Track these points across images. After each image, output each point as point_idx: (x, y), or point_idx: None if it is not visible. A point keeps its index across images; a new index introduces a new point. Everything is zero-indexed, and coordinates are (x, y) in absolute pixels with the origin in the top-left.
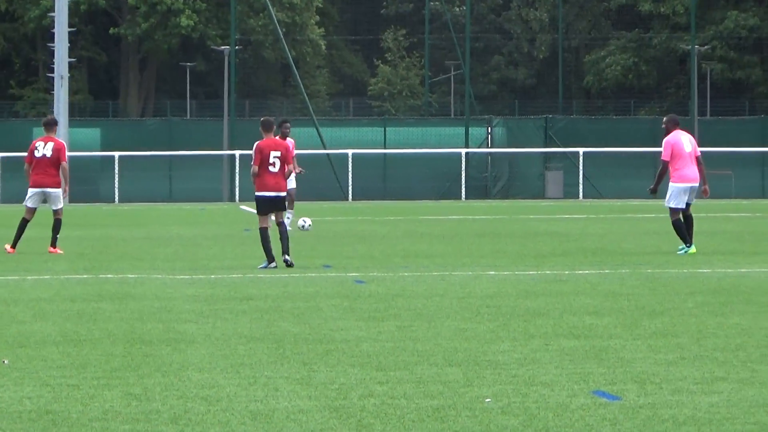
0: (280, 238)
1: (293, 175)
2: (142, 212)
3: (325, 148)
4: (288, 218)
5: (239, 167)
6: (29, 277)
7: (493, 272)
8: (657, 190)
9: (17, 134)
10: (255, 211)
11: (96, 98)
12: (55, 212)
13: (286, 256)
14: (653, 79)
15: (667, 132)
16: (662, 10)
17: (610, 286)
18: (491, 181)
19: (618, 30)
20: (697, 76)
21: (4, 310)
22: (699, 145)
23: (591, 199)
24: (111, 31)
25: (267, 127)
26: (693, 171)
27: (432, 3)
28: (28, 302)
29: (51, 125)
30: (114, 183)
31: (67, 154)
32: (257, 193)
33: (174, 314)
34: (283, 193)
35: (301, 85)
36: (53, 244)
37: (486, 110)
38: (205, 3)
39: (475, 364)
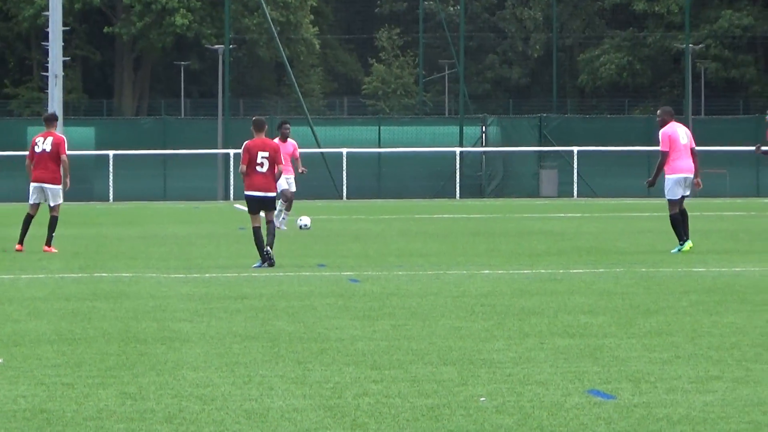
0: (266, 233)
1: (291, 177)
2: (136, 211)
3: (319, 147)
4: (284, 218)
5: (233, 166)
6: (24, 276)
7: (487, 271)
8: (655, 183)
9: (11, 133)
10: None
11: (90, 97)
12: (52, 209)
13: (268, 248)
14: (647, 78)
15: (663, 124)
16: (656, 9)
17: (605, 285)
18: (486, 180)
19: (612, 29)
20: (691, 75)
21: None
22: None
23: (585, 198)
24: (105, 30)
25: (258, 127)
26: (688, 162)
27: (426, 2)
28: (22, 301)
29: (51, 120)
30: (108, 182)
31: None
32: (246, 193)
33: (168, 313)
34: (272, 194)
35: (296, 84)
36: (48, 243)
37: (480, 109)
38: (200, 2)
39: (469, 363)
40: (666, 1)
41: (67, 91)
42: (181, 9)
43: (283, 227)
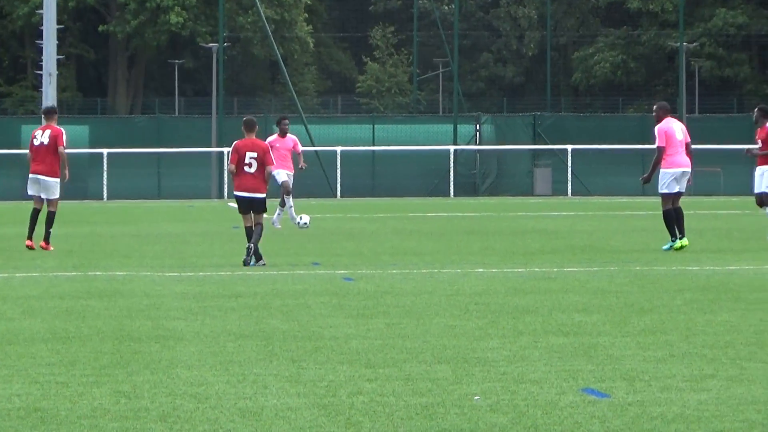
0: (253, 231)
1: (292, 174)
2: (130, 209)
3: (313, 146)
4: (278, 214)
5: (227, 164)
6: (18, 275)
7: (481, 269)
8: (651, 179)
9: (5, 131)
10: None
11: (84, 95)
12: (49, 203)
13: (251, 244)
14: (641, 76)
15: (659, 119)
16: (651, 7)
17: (599, 284)
18: (480, 178)
19: (606, 27)
20: (685, 74)
21: None
22: None
23: (579, 196)
24: (100, 28)
25: (249, 127)
26: (684, 158)
27: (420, 0)
28: (16, 299)
29: (49, 113)
30: (102, 180)
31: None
32: (234, 193)
33: (163, 311)
34: (260, 195)
35: (290, 83)
36: (46, 239)
37: (474, 107)
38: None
39: (463, 362)
40: None
41: (61, 89)
42: (176, 7)
43: (278, 225)
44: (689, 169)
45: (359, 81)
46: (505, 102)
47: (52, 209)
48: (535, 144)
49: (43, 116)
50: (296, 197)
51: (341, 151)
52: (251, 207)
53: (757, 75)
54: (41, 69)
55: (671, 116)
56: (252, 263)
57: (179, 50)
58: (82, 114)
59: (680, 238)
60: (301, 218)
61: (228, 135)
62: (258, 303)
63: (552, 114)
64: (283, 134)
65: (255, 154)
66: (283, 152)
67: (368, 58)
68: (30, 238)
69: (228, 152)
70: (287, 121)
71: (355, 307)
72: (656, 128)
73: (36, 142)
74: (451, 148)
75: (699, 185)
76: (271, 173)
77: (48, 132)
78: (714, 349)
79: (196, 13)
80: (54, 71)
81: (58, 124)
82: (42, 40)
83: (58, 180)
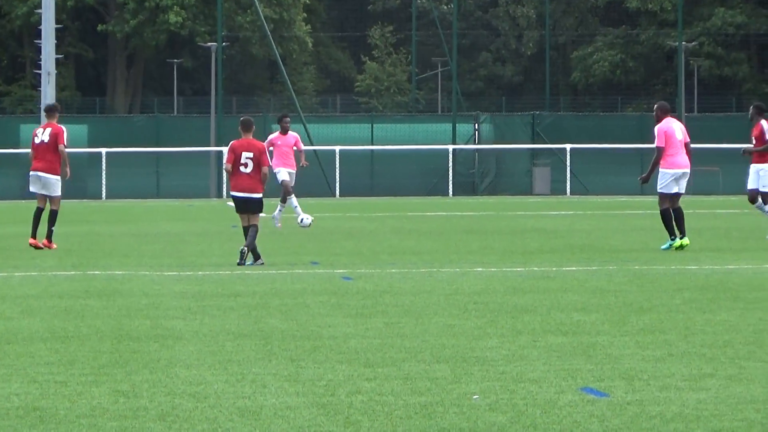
0: (247, 234)
1: (294, 171)
2: (129, 209)
3: (312, 145)
4: (279, 210)
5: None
6: (17, 274)
7: (480, 269)
8: (649, 179)
9: (4, 131)
10: None
11: (83, 95)
12: (51, 201)
13: (244, 247)
14: (640, 75)
15: (658, 119)
16: (650, 6)
17: (598, 283)
18: (478, 178)
19: (605, 26)
20: (684, 73)
21: None
22: None
23: (578, 196)
24: (99, 28)
25: (245, 127)
26: (684, 158)
27: (419, 0)
28: (15, 299)
29: (50, 111)
30: (101, 179)
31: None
32: (231, 192)
33: (161, 311)
34: (256, 196)
35: (288, 82)
36: (48, 237)
37: (473, 106)
38: None
39: (462, 361)
40: None
41: (60, 88)
42: (175, 6)
43: (278, 224)
44: (689, 170)
45: (358, 80)
46: (503, 101)
47: (54, 207)
48: (533, 143)
49: (44, 114)
50: (295, 196)
51: (340, 151)
52: (247, 207)
53: (756, 74)
54: (40, 68)
55: (671, 116)
56: (250, 263)
57: (178, 50)
58: (80, 113)
59: (681, 238)
60: (302, 219)
61: (227, 134)
62: (257, 302)
63: (551, 113)
64: (284, 132)
65: (251, 155)
66: (285, 149)
67: (367, 58)
68: (33, 236)
69: (227, 151)
70: (288, 119)
71: (353, 307)
72: (656, 128)
73: (37, 140)
74: (450, 147)
75: (698, 184)
76: (267, 174)
77: (48, 130)
78: (713, 348)
79: (194, 13)
80: (53, 70)
81: (58, 122)
82: (41, 39)
83: (58, 177)
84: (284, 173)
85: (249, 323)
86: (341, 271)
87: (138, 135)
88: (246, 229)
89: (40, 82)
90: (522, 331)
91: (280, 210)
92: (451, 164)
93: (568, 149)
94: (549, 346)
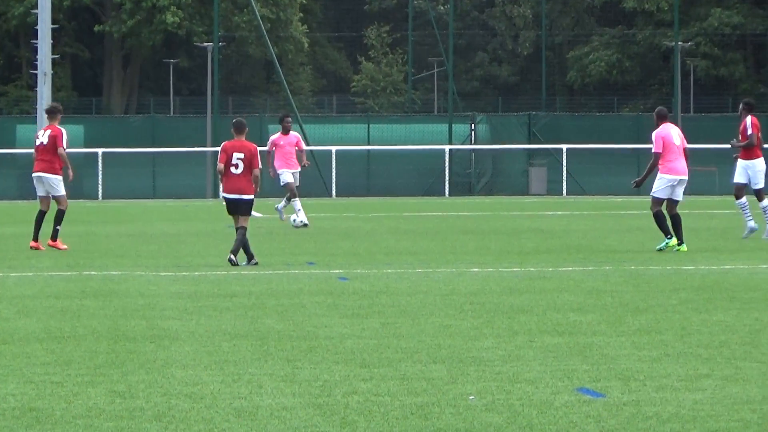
0: (235, 238)
1: (297, 171)
2: (125, 209)
3: (308, 145)
4: (283, 205)
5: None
6: (13, 274)
7: (476, 269)
8: (641, 185)
9: (0, 131)
10: None
11: (80, 95)
12: (57, 201)
13: (231, 255)
14: (636, 75)
15: (656, 125)
16: (646, 6)
17: (594, 283)
18: (475, 178)
19: (601, 26)
20: (680, 73)
21: None
22: None
23: (574, 196)
24: (96, 28)
25: (238, 129)
26: (682, 164)
27: (416, 1)
28: (11, 299)
29: (50, 113)
30: (97, 180)
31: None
32: (222, 194)
33: (158, 311)
34: (247, 197)
35: (285, 82)
36: (53, 237)
37: (469, 107)
38: None
39: (459, 361)
40: None
41: (56, 88)
42: (172, 7)
43: (283, 216)
44: (686, 178)
45: (354, 80)
46: (500, 101)
47: (62, 208)
48: (530, 143)
49: (45, 116)
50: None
51: (336, 151)
52: (237, 208)
53: (752, 74)
54: (36, 68)
55: (669, 122)
56: (244, 263)
57: (174, 50)
58: (77, 113)
59: (679, 245)
60: (296, 218)
61: (223, 134)
62: (253, 302)
63: (547, 113)
64: (286, 132)
65: (242, 155)
66: (288, 150)
67: (363, 58)
68: (35, 239)
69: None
70: (290, 119)
71: (350, 307)
72: (653, 134)
73: (37, 142)
74: (446, 147)
75: (694, 185)
76: (258, 176)
77: (48, 132)
78: (709, 348)
79: (191, 13)
80: (49, 71)
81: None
82: (37, 39)
83: (59, 177)
84: (288, 175)
85: (245, 324)
86: (337, 271)
87: (134, 135)
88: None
89: (36, 82)
90: (518, 331)
91: (284, 205)
92: (447, 164)
93: (564, 149)
94: (545, 346)
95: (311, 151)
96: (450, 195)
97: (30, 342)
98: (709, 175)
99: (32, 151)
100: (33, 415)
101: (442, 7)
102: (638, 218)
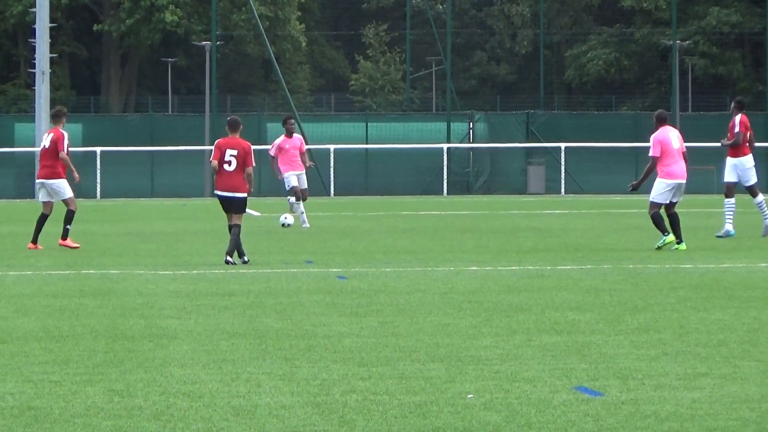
0: (229, 238)
1: (303, 173)
2: (124, 208)
3: (306, 144)
4: (302, 212)
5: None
6: (11, 273)
7: (475, 268)
8: (638, 188)
9: None
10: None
11: (78, 94)
12: (65, 203)
13: (227, 256)
14: (634, 74)
15: (655, 128)
16: (644, 5)
17: (592, 282)
18: (473, 177)
19: (599, 25)
20: (678, 72)
21: None
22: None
23: (573, 195)
24: (95, 28)
25: (232, 127)
26: (681, 168)
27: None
28: (10, 298)
29: (54, 117)
30: (96, 178)
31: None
32: (215, 191)
33: (156, 310)
34: (240, 195)
35: (283, 81)
36: (63, 236)
37: (467, 105)
38: None
39: (457, 360)
40: None
41: (54, 87)
42: (170, 5)
43: (306, 224)
44: (685, 181)
45: (352, 79)
46: (498, 100)
47: (72, 208)
48: (528, 142)
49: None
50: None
51: (334, 150)
52: (230, 206)
53: (750, 73)
54: (34, 67)
55: (668, 125)
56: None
57: (172, 48)
58: (75, 112)
59: (678, 243)
60: (285, 218)
61: (221, 133)
62: (251, 301)
63: (545, 112)
64: (289, 134)
65: (235, 152)
66: (293, 152)
67: (361, 57)
68: (34, 241)
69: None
70: (293, 121)
71: (348, 306)
72: (651, 137)
73: (41, 146)
74: (445, 146)
75: (692, 184)
76: (251, 175)
77: (51, 136)
78: (707, 347)
79: (189, 11)
80: (47, 69)
81: (49, 123)
82: (35, 38)
83: (62, 180)
84: (293, 179)
85: (243, 322)
86: (336, 270)
87: (132, 134)
88: (229, 228)
89: (34, 81)
90: (516, 330)
91: (294, 201)
92: (445, 163)
93: (562, 148)
94: (543, 345)
95: (309, 149)
96: (448, 194)
97: (28, 341)
98: (707, 174)
99: (31, 150)
100: (31, 413)
101: (440, 6)
102: (636, 217)
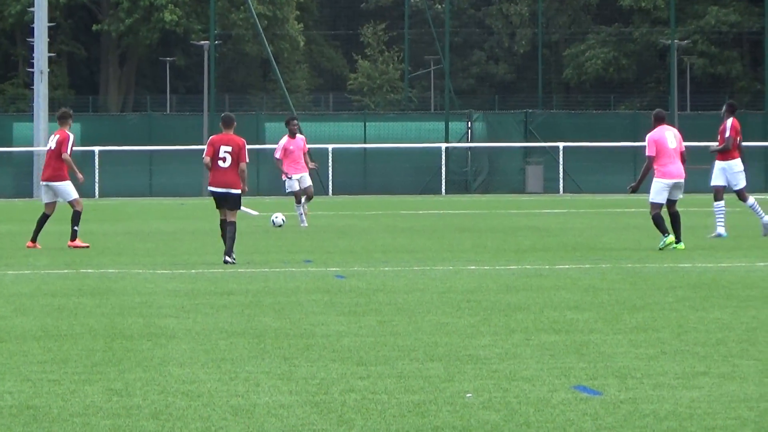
0: (226, 237)
1: (306, 174)
2: (122, 207)
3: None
4: (301, 213)
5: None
6: (10, 272)
7: (473, 267)
8: (637, 189)
9: None
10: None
11: (76, 93)
12: (71, 204)
13: (226, 257)
14: (633, 73)
15: (652, 127)
16: (643, 4)
17: (591, 281)
18: (471, 176)
19: (598, 24)
20: (677, 71)
21: None
22: None
23: (571, 194)
24: (94, 27)
25: (226, 123)
26: (677, 167)
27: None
28: (8, 297)
29: (61, 118)
30: (94, 178)
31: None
32: (209, 187)
33: (155, 309)
34: (234, 191)
35: (281, 80)
36: (72, 238)
37: (466, 105)
38: None
39: (455, 359)
40: None
41: (52, 87)
42: (169, 5)
43: (304, 224)
44: (683, 180)
45: (351, 78)
46: (496, 99)
47: (78, 209)
48: (526, 141)
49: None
50: (288, 194)
51: (333, 149)
52: (224, 202)
53: (749, 72)
54: (33, 66)
55: (665, 124)
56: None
57: (171, 48)
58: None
59: (677, 243)
60: (276, 217)
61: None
62: (250, 300)
63: (543, 111)
64: (293, 135)
65: (229, 148)
66: (297, 154)
67: (359, 56)
68: (33, 240)
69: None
70: (296, 122)
71: (347, 305)
72: (647, 137)
73: (47, 147)
74: (443, 145)
75: (691, 183)
76: (245, 171)
77: (56, 137)
78: (706, 346)
79: (188, 11)
80: (45, 69)
81: (49, 122)
82: (33, 37)
83: (67, 182)
84: (295, 184)
85: (242, 321)
86: (334, 269)
87: (131, 133)
88: (222, 223)
89: (32, 80)
90: (515, 329)
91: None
92: (443, 162)
93: (560, 147)
94: (542, 344)
95: (308, 149)
96: (446, 193)
97: (27, 340)
98: (706, 174)
99: (29, 149)
100: (30, 413)
101: (438, 5)
102: (635, 216)
